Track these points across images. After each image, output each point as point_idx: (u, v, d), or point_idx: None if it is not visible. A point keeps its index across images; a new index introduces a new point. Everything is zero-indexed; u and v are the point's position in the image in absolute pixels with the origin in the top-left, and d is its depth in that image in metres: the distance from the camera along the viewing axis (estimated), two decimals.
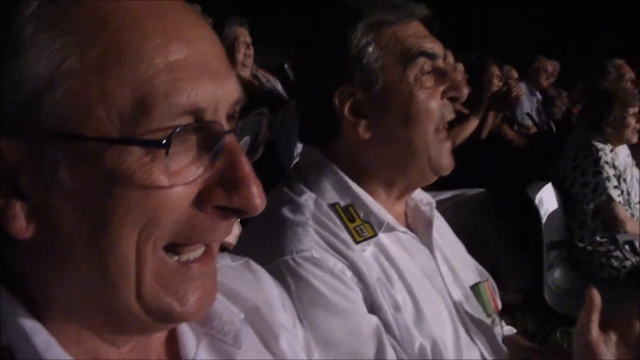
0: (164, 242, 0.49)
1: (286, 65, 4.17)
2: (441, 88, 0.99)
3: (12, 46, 0.44)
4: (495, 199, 2.97)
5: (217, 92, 0.49)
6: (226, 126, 0.50)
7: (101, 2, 0.46)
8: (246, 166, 0.50)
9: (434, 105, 0.98)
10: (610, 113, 2.88)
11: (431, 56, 0.98)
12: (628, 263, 2.77)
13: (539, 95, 5.85)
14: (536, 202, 2.79)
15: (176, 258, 0.50)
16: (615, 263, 2.82)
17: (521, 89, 4.72)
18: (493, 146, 3.73)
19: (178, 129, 0.46)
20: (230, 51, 3.50)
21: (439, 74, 0.99)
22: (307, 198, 0.98)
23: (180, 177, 0.47)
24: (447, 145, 1.01)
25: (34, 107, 0.44)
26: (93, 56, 0.44)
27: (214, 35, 0.52)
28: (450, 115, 1.01)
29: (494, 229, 2.92)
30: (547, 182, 2.92)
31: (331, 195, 0.99)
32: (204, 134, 0.49)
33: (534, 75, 5.95)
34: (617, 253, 2.80)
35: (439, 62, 1.00)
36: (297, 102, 1.09)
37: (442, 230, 1.14)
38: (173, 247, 0.50)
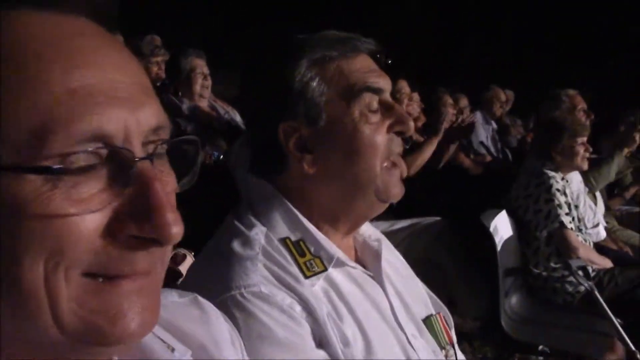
0: (79, 271, 0.47)
1: None
2: (387, 122, 0.99)
3: None
4: (451, 227, 3.00)
5: (127, 118, 0.48)
6: (140, 153, 0.49)
7: (4, 32, 0.46)
8: (159, 194, 0.48)
9: (380, 140, 0.98)
10: (560, 142, 2.96)
11: (376, 91, 0.99)
12: (582, 288, 2.82)
13: (494, 124, 5.98)
14: (491, 229, 2.84)
15: (100, 279, 0.48)
16: (569, 288, 2.87)
17: (475, 118, 4.82)
18: (449, 174, 3.79)
19: (78, 154, 0.45)
20: (188, 82, 3.51)
21: (385, 109, 1.00)
22: (258, 232, 0.97)
23: (86, 205, 0.46)
24: (396, 173, 1.02)
25: None
26: None
27: (130, 61, 0.52)
28: (398, 149, 1.02)
29: (450, 257, 2.95)
30: (501, 210, 2.97)
31: (282, 229, 0.98)
32: (114, 161, 0.47)
33: (488, 104, 6.09)
34: (571, 279, 2.85)
35: (385, 96, 1.01)
36: (247, 134, 1.08)
37: (393, 263, 1.14)
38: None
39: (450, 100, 4.60)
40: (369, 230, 1.12)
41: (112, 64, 0.49)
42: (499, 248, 2.81)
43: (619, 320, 2.66)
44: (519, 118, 6.70)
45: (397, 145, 1.02)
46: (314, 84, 0.97)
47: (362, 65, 1.00)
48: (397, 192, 1.02)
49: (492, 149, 5.43)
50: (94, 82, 0.47)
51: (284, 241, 0.97)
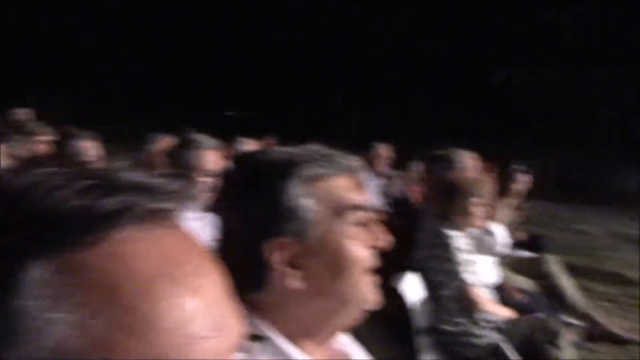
0: None
1: None
2: (369, 238, 1.04)
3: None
4: None
5: (223, 349, 0.48)
6: None
7: (107, 267, 0.44)
8: None
9: (365, 256, 1.03)
10: (455, 203, 3.15)
11: (361, 208, 1.04)
12: (489, 340, 2.98)
13: (380, 180, 6.24)
14: (401, 291, 2.94)
15: None
16: (477, 342, 3.02)
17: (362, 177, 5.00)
18: None
19: None
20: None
21: (365, 225, 1.05)
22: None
23: None
24: (373, 281, 1.06)
25: None
26: (100, 330, 0.42)
27: (219, 276, 0.53)
28: (376, 262, 1.06)
29: (365, 324, 3.01)
30: (408, 272, 3.09)
31: (260, 356, 0.97)
32: None
33: (372, 161, 6.35)
34: (478, 332, 3.00)
35: (368, 213, 1.05)
36: (220, 252, 1.06)
37: None
38: None
39: None
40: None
41: (211, 289, 0.50)
42: (411, 309, 2.92)
43: None
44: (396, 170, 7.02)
45: (375, 259, 1.06)
46: (305, 201, 0.99)
47: (348, 183, 1.05)
48: (375, 298, 1.06)
49: (383, 204, 5.67)
50: (198, 313, 0.47)
51: None
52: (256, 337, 0.98)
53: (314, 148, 1.07)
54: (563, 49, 19.57)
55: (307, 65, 21.54)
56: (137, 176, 0.49)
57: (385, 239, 1.06)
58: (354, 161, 1.09)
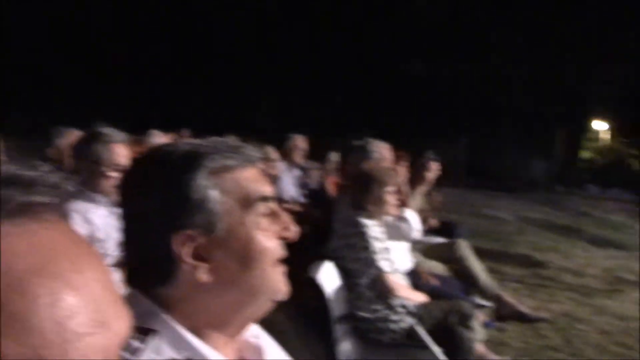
0: None
1: None
2: (275, 228, 1.04)
3: None
4: None
5: (107, 344, 0.47)
6: None
7: None
8: None
9: (272, 246, 1.02)
10: (370, 193, 3.21)
11: (267, 199, 1.03)
12: (404, 324, 3.06)
13: (297, 171, 6.27)
14: (319, 281, 2.97)
15: None
16: (393, 327, 3.09)
17: (278, 168, 5.02)
18: None
19: None
20: None
21: (273, 216, 1.04)
22: (140, 354, 0.92)
23: None
24: (281, 270, 1.06)
25: None
26: None
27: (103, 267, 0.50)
28: (283, 252, 1.06)
29: (283, 314, 3.02)
30: (325, 261, 3.12)
31: (166, 350, 0.95)
32: None
33: (289, 153, 6.37)
34: (394, 317, 3.07)
35: (273, 204, 1.05)
36: (127, 246, 1.03)
37: (275, 355, 1.17)
38: None
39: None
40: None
41: (92, 284, 0.47)
42: (328, 298, 2.95)
43: (441, 349, 2.94)
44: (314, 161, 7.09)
45: (282, 249, 1.06)
46: (212, 193, 0.98)
47: (254, 174, 1.04)
48: (285, 288, 1.06)
49: (300, 195, 5.70)
50: (78, 309, 0.45)
51: None
52: (150, 332, 0.96)
53: (220, 140, 1.06)
54: (473, 40, 20.26)
55: (222, 58, 21.30)
56: (13, 169, 0.47)
57: (293, 229, 1.07)
58: (261, 152, 1.09)
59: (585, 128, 25.47)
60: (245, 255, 1.00)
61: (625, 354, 4.46)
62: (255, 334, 1.14)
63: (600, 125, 26.34)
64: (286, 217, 1.07)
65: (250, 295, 1.02)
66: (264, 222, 1.03)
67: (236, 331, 1.06)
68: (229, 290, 1.00)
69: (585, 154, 25.43)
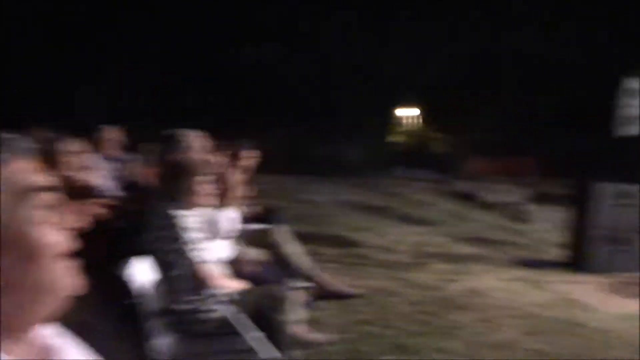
0: None
1: None
2: (59, 220, 0.96)
3: None
4: (91, 285, 2.91)
5: None
6: None
7: None
8: None
9: (52, 240, 0.95)
10: (181, 183, 3.14)
11: (46, 190, 0.95)
12: (220, 314, 3.04)
13: (113, 164, 6.00)
14: (131, 276, 2.85)
15: None
16: (209, 317, 3.06)
17: (90, 160, 4.75)
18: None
19: None
20: None
21: (56, 207, 0.97)
22: None
23: None
24: (69, 265, 0.99)
25: None
26: None
27: None
28: (72, 244, 0.99)
29: (93, 312, 2.86)
30: (138, 256, 3.00)
31: None
32: None
33: (100, 144, 6.08)
34: (209, 307, 3.05)
35: (49, 194, 0.97)
36: None
37: (74, 354, 1.10)
38: None
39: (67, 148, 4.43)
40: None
41: None
42: (140, 293, 2.85)
43: (262, 334, 2.97)
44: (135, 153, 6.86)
45: (70, 239, 0.99)
46: None
47: (27, 165, 0.95)
48: (74, 283, 0.99)
49: (117, 189, 5.44)
50: None
51: None
52: None
53: None
54: (289, 28, 20.70)
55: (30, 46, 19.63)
56: None
57: (68, 221, 1.01)
58: (28, 142, 1.01)
59: (393, 114, 27.31)
60: (25, 252, 0.92)
61: (431, 320, 4.86)
62: (50, 335, 1.07)
63: (406, 112, 28.40)
64: (67, 208, 1.01)
65: (36, 294, 0.94)
66: (43, 214, 0.97)
67: (24, 334, 0.99)
68: (11, 290, 0.91)
69: (393, 139, 27.25)
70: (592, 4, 20.22)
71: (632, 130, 7.81)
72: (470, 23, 21.18)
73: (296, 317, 4.00)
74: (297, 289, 4.80)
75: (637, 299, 5.72)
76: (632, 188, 7.41)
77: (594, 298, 5.85)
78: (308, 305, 4.92)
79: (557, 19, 21.05)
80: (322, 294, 4.99)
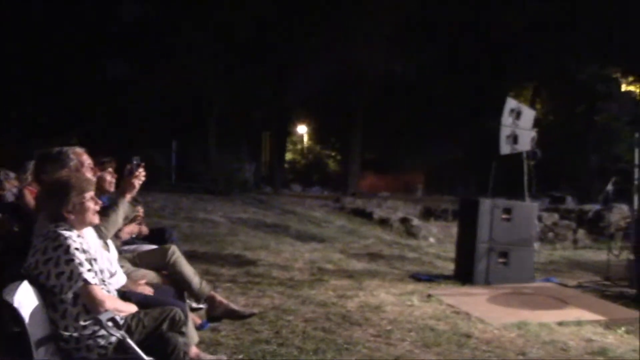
0: None
1: None
2: None
3: None
4: None
5: None
6: None
7: None
8: None
9: None
10: (69, 201, 3.00)
11: None
12: (114, 339, 2.93)
13: None
14: (16, 304, 2.68)
15: None
16: (102, 342, 2.93)
17: None
18: None
19: None
20: None
21: None
22: None
23: None
24: None
25: None
26: None
27: None
28: None
29: None
30: (24, 280, 2.84)
31: None
32: None
33: None
34: (102, 332, 2.92)
35: None
36: None
37: None
38: None
39: None
40: None
41: None
42: (25, 320, 2.68)
43: (152, 358, 2.88)
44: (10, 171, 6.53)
45: None
46: None
47: None
48: None
49: None
50: None
51: None
52: None
53: None
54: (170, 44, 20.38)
55: None
56: None
57: None
58: None
59: (289, 132, 27.53)
60: None
61: (327, 337, 4.91)
62: None
63: (302, 129, 28.70)
64: None
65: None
66: None
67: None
68: None
69: (289, 156, 27.44)
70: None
71: (511, 148, 8.36)
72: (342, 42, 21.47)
73: (191, 339, 3.93)
74: (192, 310, 4.72)
75: (516, 309, 6.18)
76: (512, 203, 7.97)
77: (479, 309, 6.16)
78: (203, 326, 4.84)
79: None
80: (217, 315, 4.91)
